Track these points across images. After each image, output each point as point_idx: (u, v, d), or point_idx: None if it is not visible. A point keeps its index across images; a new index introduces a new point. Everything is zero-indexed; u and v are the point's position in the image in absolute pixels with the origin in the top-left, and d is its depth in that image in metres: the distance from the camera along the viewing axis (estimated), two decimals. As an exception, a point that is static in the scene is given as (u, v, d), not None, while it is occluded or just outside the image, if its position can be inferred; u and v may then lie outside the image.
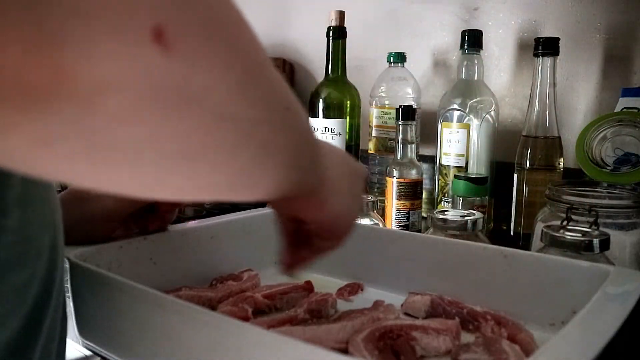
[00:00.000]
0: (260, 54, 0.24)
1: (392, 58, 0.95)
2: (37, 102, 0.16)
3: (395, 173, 0.80)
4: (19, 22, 0.15)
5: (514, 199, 0.80)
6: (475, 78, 0.86)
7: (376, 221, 0.74)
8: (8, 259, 0.30)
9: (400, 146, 0.81)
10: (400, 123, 0.81)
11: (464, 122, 0.85)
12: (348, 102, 0.97)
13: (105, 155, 0.18)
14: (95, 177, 0.20)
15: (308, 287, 0.55)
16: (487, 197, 0.79)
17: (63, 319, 0.37)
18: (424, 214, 0.85)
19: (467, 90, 0.85)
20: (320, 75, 1.06)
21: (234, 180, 0.25)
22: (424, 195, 0.86)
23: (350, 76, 0.98)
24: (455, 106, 0.85)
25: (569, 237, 0.52)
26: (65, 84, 0.16)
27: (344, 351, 0.42)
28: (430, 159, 0.95)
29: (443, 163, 0.87)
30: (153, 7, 0.17)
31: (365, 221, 0.72)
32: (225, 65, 0.21)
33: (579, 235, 0.52)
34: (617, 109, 0.76)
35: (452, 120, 0.86)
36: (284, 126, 0.27)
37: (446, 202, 0.87)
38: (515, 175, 0.80)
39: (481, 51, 0.86)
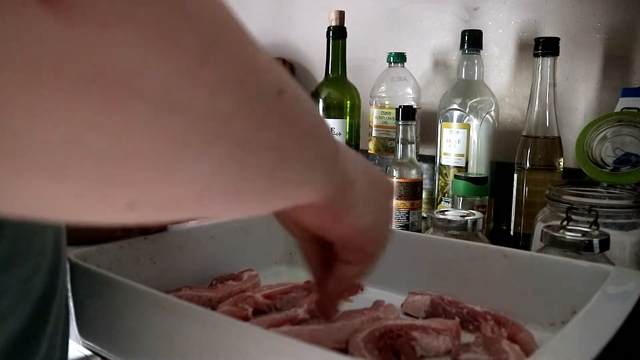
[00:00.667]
0: (230, 20, 0.19)
1: (392, 58, 0.95)
2: None
3: (395, 173, 0.80)
4: None
5: (514, 199, 0.80)
6: (475, 78, 0.86)
7: (376, 221, 0.74)
8: (11, 252, 0.30)
9: (400, 146, 0.81)
10: (400, 123, 0.81)
11: (464, 122, 0.85)
12: (348, 102, 0.97)
13: (11, 158, 0.14)
14: (7, 193, 0.15)
15: (308, 287, 0.55)
16: (487, 197, 0.79)
17: (66, 313, 0.37)
18: (424, 214, 0.85)
19: (467, 90, 0.85)
20: (320, 75, 1.06)
21: (207, 189, 0.19)
22: (424, 195, 0.86)
23: (350, 76, 0.98)
24: (455, 106, 0.85)
25: (569, 237, 0.52)
26: None
27: (344, 351, 0.42)
28: (430, 159, 0.95)
29: (443, 163, 0.87)
30: None
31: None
32: (169, 37, 0.15)
33: (579, 235, 0.52)
34: (617, 109, 0.76)
35: (452, 120, 0.86)
36: (273, 118, 0.21)
37: (446, 202, 0.87)
38: (515, 175, 0.80)
39: (481, 51, 0.86)
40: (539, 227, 0.63)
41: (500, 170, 0.87)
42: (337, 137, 0.93)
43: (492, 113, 0.85)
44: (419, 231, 0.80)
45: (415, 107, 0.85)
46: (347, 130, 0.95)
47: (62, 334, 0.36)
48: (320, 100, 0.95)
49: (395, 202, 0.80)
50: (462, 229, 0.60)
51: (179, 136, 0.16)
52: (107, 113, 0.14)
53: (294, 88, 0.23)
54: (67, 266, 0.43)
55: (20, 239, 0.31)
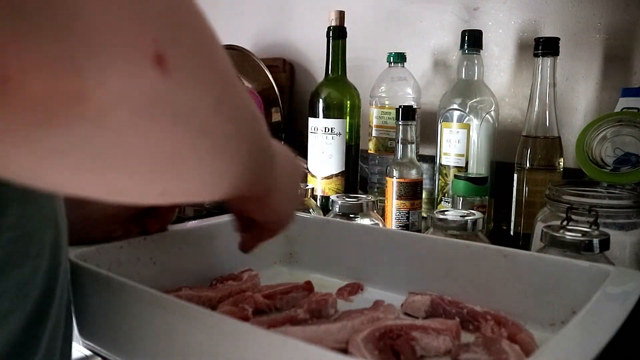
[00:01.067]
0: (232, 72, 0.28)
1: (392, 58, 0.95)
2: (54, 119, 0.18)
3: (395, 173, 0.80)
4: (43, 51, 0.17)
5: (514, 199, 0.80)
6: (475, 78, 0.86)
7: (376, 221, 0.74)
8: (9, 255, 0.30)
9: (400, 146, 0.81)
10: (400, 123, 0.81)
11: (464, 122, 0.85)
12: (348, 102, 0.97)
13: (106, 164, 0.21)
14: (96, 186, 0.22)
15: (308, 287, 0.55)
16: (487, 197, 0.79)
17: (68, 317, 0.37)
18: (424, 214, 0.85)
19: (467, 90, 0.85)
20: (320, 75, 1.06)
21: (207, 182, 0.29)
22: (424, 195, 0.86)
23: (350, 76, 0.98)
24: (455, 106, 0.85)
25: (569, 237, 0.52)
26: (80, 104, 0.18)
27: (344, 351, 0.42)
28: (430, 159, 0.95)
29: (443, 163, 0.87)
30: (155, 37, 0.20)
31: (365, 221, 0.73)
32: (208, 86, 0.24)
33: (579, 235, 0.52)
34: (617, 109, 0.76)
35: (452, 120, 0.86)
36: (249, 136, 0.31)
37: (446, 202, 0.87)
38: (515, 175, 0.80)
39: (481, 51, 0.86)
40: (539, 227, 0.63)
41: (500, 170, 0.87)
42: (337, 137, 0.93)
43: (492, 113, 0.85)
44: (419, 231, 0.80)
45: (415, 107, 0.85)
46: (347, 130, 0.95)
47: (64, 337, 0.36)
48: (320, 100, 0.95)
49: (396, 202, 0.80)
50: (462, 229, 0.60)
51: (203, 149, 0.25)
52: (177, 138, 0.23)
53: (256, 110, 0.33)
54: (68, 267, 0.43)
55: (18, 241, 0.31)
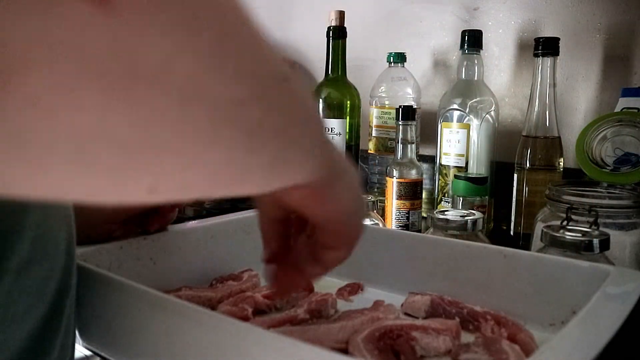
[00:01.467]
0: (241, 14, 0.20)
1: (392, 58, 0.95)
2: None
3: (395, 173, 0.80)
4: None
5: (514, 199, 0.80)
6: (475, 78, 0.86)
7: (376, 221, 0.74)
8: (30, 253, 0.30)
9: (400, 146, 0.81)
10: (400, 123, 0.81)
11: (464, 122, 0.85)
12: (348, 102, 0.97)
13: (39, 153, 0.14)
14: (30, 183, 0.15)
15: (308, 287, 0.55)
16: (487, 197, 0.79)
17: (75, 315, 0.38)
18: (424, 214, 0.85)
19: (467, 90, 0.85)
20: (320, 75, 1.06)
21: (216, 173, 0.20)
22: (424, 195, 0.86)
23: (350, 76, 0.98)
24: (455, 106, 0.85)
25: (569, 237, 0.52)
26: None
27: (344, 351, 0.42)
28: (430, 159, 0.95)
29: (443, 163, 0.87)
30: None
31: (365, 221, 0.72)
32: (191, 30, 0.16)
33: (579, 235, 0.52)
34: (617, 109, 0.76)
35: (452, 120, 0.86)
36: (281, 103, 0.22)
37: (446, 202, 0.87)
38: (515, 175, 0.80)
39: (481, 51, 0.86)
40: (539, 227, 0.63)
41: (500, 170, 0.87)
42: (337, 137, 0.93)
43: (492, 113, 0.85)
44: (419, 231, 0.80)
45: (415, 107, 0.85)
46: (347, 130, 0.95)
47: (72, 333, 0.37)
48: (320, 100, 0.95)
49: (396, 202, 0.80)
50: (462, 229, 0.60)
51: (197, 124, 0.17)
52: (135, 105, 0.15)
53: (295, 76, 0.24)
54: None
55: (39, 240, 0.31)
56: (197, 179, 0.19)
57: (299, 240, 0.37)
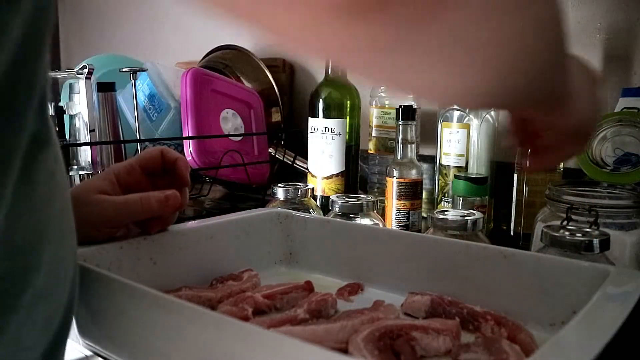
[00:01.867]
0: None
1: (392, 58, 0.95)
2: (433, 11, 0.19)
3: (395, 173, 0.80)
4: None
5: (514, 199, 0.80)
6: (475, 78, 0.85)
7: (376, 221, 0.74)
8: (42, 290, 0.31)
9: (400, 146, 0.81)
10: (400, 123, 0.81)
11: (464, 122, 0.85)
12: (348, 102, 0.97)
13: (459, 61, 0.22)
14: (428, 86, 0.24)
15: (308, 287, 0.55)
16: (487, 197, 0.79)
17: None
18: (424, 214, 0.85)
19: (467, 90, 0.85)
20: (320, 75, 1.06)
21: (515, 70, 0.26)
22: (424, 195, 0.86)
23: (351, 76, 0.98)
24: (455, 106, 0.85)
25: (569, 237, 0.52)
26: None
27: (344, 351, 0.42)
28: (430, 159, 0.95)
29: (443, 163, 0.87)
30: None
31: (365, 221, 0.72)
32: None
33: (579, 235, 0.52)
34: (617, 109, 0.76)
35: (452, 120, 0.86)
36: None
37: (446, 202, 0.87)
38: (515, 175, 0.80)
39: (481, 51, 0.86)
40: (539, 227, 0.63)
41: (500, 170, 0.87)
42: (337, 137, 0.93)
43: (492, 113, 0.85)
44: (419, 231, 0.80)
45: (415, 107, 0.85)
46: (347, 130, 0.95)
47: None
48: (320, 100, 0.95)
49: (396, 202, 0.80)
50: (462, 229, 0.60)
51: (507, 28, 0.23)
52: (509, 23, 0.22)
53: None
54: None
55: (51, 274, 0.32)
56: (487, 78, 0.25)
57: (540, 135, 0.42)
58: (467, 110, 0.84)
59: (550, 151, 0.43)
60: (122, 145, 0.92)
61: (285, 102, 1.22)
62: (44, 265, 0.30)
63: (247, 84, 1.19)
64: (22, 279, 0.29)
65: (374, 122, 0.96)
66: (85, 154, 0.90)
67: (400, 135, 0.81)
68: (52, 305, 0.32)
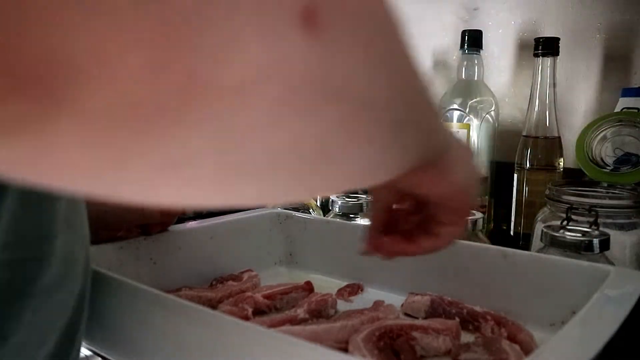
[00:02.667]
0: (392, 20, 0.21)
1: (392, 58, 0.95)
2: (165, 119, 0.12)
3: (395, 173, 0.80)
4: (137, 20, 0.11)
5: (514, 199, 0.80)
6: (475, 78, 0.86)
7: (376, 221, 0.74)
8: (55, 278, 0.31)
9: (400, 146, 0.81)
10: (400, 123, 0.81)
11: (464, 122, 0.85)
12: (348, 102, 0.96)
13: (237, 171, 0.15)
14: (219, 197, 0.17)
15: (308, 287, 0.55)
16: (487, 197, 0.79)
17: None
18: (424, 214, 0.85)
19: (467, 90, 0.85)
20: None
21: (369, 168, 0.21)
22: (424, 195, 0.86)
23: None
24: (455, 106, 0.85)
25: (569, 237, 0.52)
26: (201, 92, 0.12)
27: (344, 351, 0.42)
28: (430, 159, 0.95)
29: (443, 163, 0.87)
30: None
31: (366, 221, 0.72)
32: (367, 48, 0.17)
33: (579, 235, 0.52)
34: (617, 109, 0.76)
35: (452, 120, 0.86)
36: (416, 97, 0.23)
37: (446, 202, 0.87)
38: (515, 175, 0.80)
39: (481, 51, 0.86)
40: (539, 227, 0.63)
41: (500, 170, 0.87)
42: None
43: (492, 113, 0.85)
44: (419, 231, 0.79)
45: (415, 107, 0.85)
46: (347, 130, 0.95)
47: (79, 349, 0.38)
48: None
49: (395, 202, 0.80)
50: (462, 229, 0.60)
51: (369, 123, 0.18)
52: (330, 123, 0.16)
53: (418, 66, 0.24)
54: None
55: (63, 263, 0.32)
56: (355, 174, 0.20)
57: (410, 219, 0.38)
58: (467, 110, 0.84)
59: (424, 234, 0.37)
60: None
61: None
62: (57, 253, 0.31)
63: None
64: (36, 266, 0.30)
65: (374, 122, 0.96)
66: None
67: (400, 135, 0.81)
68: (66, 292, 0.33)
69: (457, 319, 0.47)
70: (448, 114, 0.86)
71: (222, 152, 0.14)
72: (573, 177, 0.76)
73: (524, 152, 0.78)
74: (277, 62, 0.13)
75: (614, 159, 0.69)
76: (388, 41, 0.20)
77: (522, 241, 0.77)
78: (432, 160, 0.29)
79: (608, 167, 0.69)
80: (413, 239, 0.38)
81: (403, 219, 0.38)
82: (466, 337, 0.45)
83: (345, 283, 0.58)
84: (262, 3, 0.13)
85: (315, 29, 0.14)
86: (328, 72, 0.15)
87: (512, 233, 0.81)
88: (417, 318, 0.49)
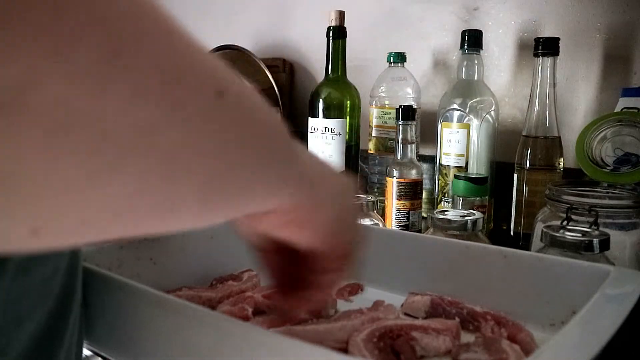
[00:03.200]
0: (150, 14, 0.17)
1: (392, 58, 0.95)
2: None
3: (395, 173, 0.80)
4: None
5: (514, 199, 0.80)
6: (475, 78, 0.86)
7: (376, 221, 0.74)
8: (32, 254, 0.30)
9: (400, 146, 0.81)
10: (400, 123, 0.81)
11: (464, 122, 0.85)
12: (348, 102, 0.96)
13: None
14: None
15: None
16: (487, 197, 0.79)
17: (81, 315, 0.38)
18: (424, 214, 0.85)
19: (467, 90, 0.85)
20: (320, 75, 1.06)
21: (117, 213, 0.17)
22: (424, 195, 0.86)
23: (350, 76, 0.98)
24: (455, 106, 0.85)
25: (569, 237, 0.52)
26: None
27: (344, 351, 0.42)
28: (430, 159, 0.95)
29: (443, 163, 0.87)
30: None
31: (365, 221, 0.72)
32: (64, 34, 0.13)
33: (579, 235, 0.52)
34: (617, 109, 0.76)
35: (452, 120, 0.86)
36: (212, 122, 0.19)
37: (446, 202, 0.87)
38: (515, 175, 0.80)
39: (481, 51, 0.86)
40: (539, 227, 0.63)
41: (500, 170, 0.87)
42: (337, 137, 0.93)
43: (492, 113, 0.85)
44: (419, 231, 0.80)
45: (415, 107, 0.85)
46: (347, 130, 0.95)
47: (79, 332, 0.37)
48: (320, 100, 0.95)
49: (396, 202, 0.80)
50: (462, 229, 0.60)
51: (85, 156, 0.15)
52: (6, 137, 0.13)
53: (238, 86, 0.21)
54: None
55: None
56: (100, 217, 0.17)
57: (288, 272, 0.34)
58: (467, 110, 0.84)
59: (312, 287, 0.33)
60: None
61: (285, 102, 1.22)
62: None
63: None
64: None
65: (374, 122, 0.96)
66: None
67: (400, 135, 0.81)
68: (48, 268, 0.32)
69: (457, 319, 0.47)
70: (448, 114, 0.86)
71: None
72: (573, 177, 0.76)
73: (524, 152, 0.78)
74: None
75: (614, 159, 0.69)
76: (131, 41, 0.15)
77: (522, 241, 0.77)
78: (288, 206, 0.26)
79: (608, 167, 0.69)
80: (307, 295, 0.34)
81: (293, 269, 0.33)
82: (466, 337, 0.45)
83: (345, 283, 0.58)
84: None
85: None
86: (20, 89, 0.13)
87: (512, 233, 0.81)
88: (417, 318, 0.49)
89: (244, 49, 1.22)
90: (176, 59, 0.17)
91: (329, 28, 0.95)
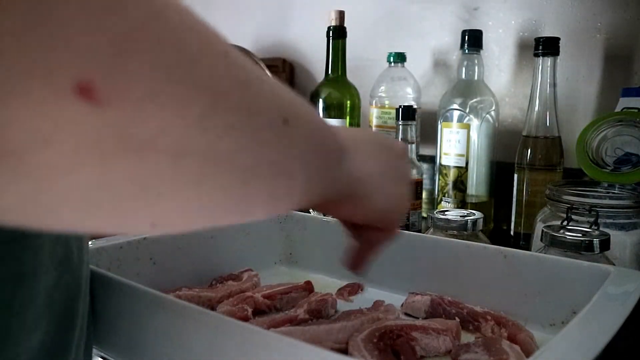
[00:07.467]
0: (235, 68, 0.22)
1: (392, 58, 0.95)
2: None
3: (395, 173, 0.80)
4: None
5: (514, 199, 0.80)
6: (475, 78, 0.86)
7: (376, 221, 0.74)
8: (42, 261, 0.31)
9: (400, 146, 0.81)
10: (400, 123, 0.81)
11: (464, 122, 0.85)
12: (348, 102, 0.96)
13: (54, 200, 0.17)
14: (50, 220, 0.19)
15: (308, 287, 0.55)
16: (487, 197, 0.79)
17: (89, 319, 0.38)
18: (424, 214, 0.85)
19: (467, 90, 0.85)
20: (320, 75, 1.06)
21: (210, 215, 0.23)
22: (424, 195, 0.86)
23: (350, 76, 0.98)
24: (455, 106, 0.85)
25: (569, 237, 0.52)
26: None
27: (344, 351, 0.42)
28: (430, 159, 0.95)
29: (443, 163, 0.87)
30: (77, 62, 0.16)
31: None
32: (182, 103, 0.19)
33: (579, 235, 0.52)
34: (617, 109, 0.76)
35: (452, 120, 0.86)
36: (279, 144, 0.24)
37: (446, 202, 0.87)
38: (516, 175, 0.80)
39: (481, 51, 0.86)
40: (539, 227, 0.63)
41: (501, 170, 0.87)
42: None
43: (492, 113, 0.85)
44: (419, 231, 0.80)
45: (415, 107, 0.85)
46: (347, 130, 0.95)
47: (87, 336, 0.37)
48: (320, 100, 0.95)
49: (395, 202, 0.80)
50: (462, 229, 0.60)
51: (191, 176, 0.20)
52: (141, 168, 0.19)
53: (298, 109, 0.26)
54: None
55: (53, 245, 0.32)
56: (197, 218, 0.23)
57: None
58: (467, 110, 0.84)
59: (364, 241, 0.42)
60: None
61: (285, 102, 1.22)
62: (45, 235, 0.31)
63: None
64: (24, 249, 0.30)
65: (374, 122, 0.96)
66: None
67: (400, 135, 0.81)
68: (54, 273, 0.32)
69: (457, 319, 0.47)
70: (448, 114, 0.86)
71: (30, 185, 0.17)
72: (573, 177, 0.76)
73: (524, 152, 0.78)
74: (57, 127, 0.16)
75: (614, 159, 0.69)
76: (222, 91, 0.21)
77: (522, 241, 0.77)
78: (339, 195, 0.33)
79: (608, 167, 0.69)
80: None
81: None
82: (466, 337, 0.45)
83: (345, 283, 0.58)
84: (36, 79, 0.15)
85: (97, 100, 0.16)
86: (124, 130, 0.17)
87: (512, 233, 0.81)
88: (417, 318, 0.49)
89: (244, 48, 1.22)
90: (259, 98, 0.23)
91: (329, 28, 0.95)
